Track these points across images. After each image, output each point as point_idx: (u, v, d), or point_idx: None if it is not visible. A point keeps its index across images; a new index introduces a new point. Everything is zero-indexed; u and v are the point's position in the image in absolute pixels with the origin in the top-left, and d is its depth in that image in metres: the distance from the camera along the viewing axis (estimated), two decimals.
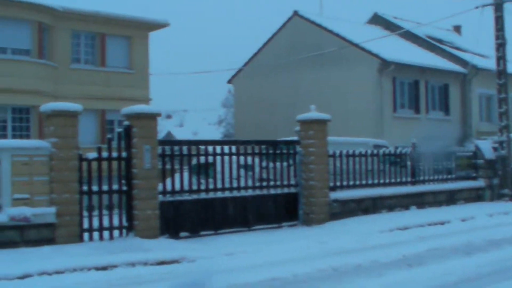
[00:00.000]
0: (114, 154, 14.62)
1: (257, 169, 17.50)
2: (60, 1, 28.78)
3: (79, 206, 13.79)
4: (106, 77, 30.87)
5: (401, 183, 20.92)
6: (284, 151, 17.90)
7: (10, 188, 13.09)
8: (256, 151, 17.37)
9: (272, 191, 17.43)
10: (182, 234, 15.48)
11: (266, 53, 40.19)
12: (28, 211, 13.05)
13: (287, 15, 39.65)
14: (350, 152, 19.23)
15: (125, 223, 14.59)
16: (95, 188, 14.29)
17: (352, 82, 35.32)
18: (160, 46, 48.11)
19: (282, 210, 17.50)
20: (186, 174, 16.11)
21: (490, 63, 41.84)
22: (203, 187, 16.17)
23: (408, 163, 21.44)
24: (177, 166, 15.95)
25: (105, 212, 14.40)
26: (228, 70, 45.82)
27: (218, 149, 16.59)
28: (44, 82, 28.19)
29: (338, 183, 18.81)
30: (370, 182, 19.85)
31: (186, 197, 15.78)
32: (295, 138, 18.21)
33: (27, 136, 27.17)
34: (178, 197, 15.63)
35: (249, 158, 17.24)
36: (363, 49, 34.76)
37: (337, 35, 36.45)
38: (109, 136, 15.11)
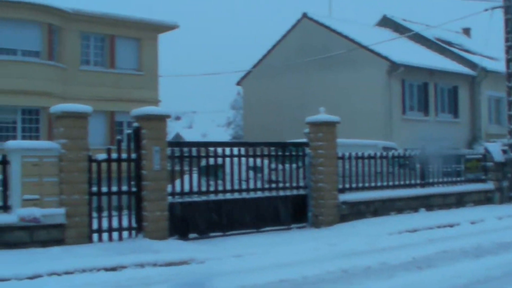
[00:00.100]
0: (124, 155, 14.65)
1: (266, 171, 17.50)
2: (70, 3, 28.87)
3: (88, 207, 13.82)
4: (116, 78, 30.93)
5: (410, 185, 20.88)
6: (293, 153, 17.88)
7: (20, 189, 13.12)
8: (265, 153, 17.38)
9: (281, 193, 17.43)
10: (191, 235, 15.49)
11: (275, 55, 40.22)
12: (37, 212, 13.09)
13: (296, 17, 39.70)
14: (359, 154, 19.21)
15: (134, 224, 14.61)
16: (104, 189, 14.32)
17: (361, 84, 35.30)
18: (170, 47, 48.16)
19: (291, 212, 17.49)
20: (195, 176, 16.12)
21: (500, 66, 41.80)
22: (212, 188, 16.18)
23: (417, 165, 21.41)
24: (186, 168, 15.96)
25: (114, 213, 14.43)
26: (237, 72, 45.81)
27: (227, 150, 16.60)
28: (54, 83, 28.27)
29: (347, 185, 18.78)
30: (379, 184, 19.82)
31: (195, 198, 15.79)
32: (304, 140, 18.19)
33: (37, 137, 27.26)
34: (187, 199, 15.64)
35: (258, 160, 17.25)
36: (372, 51, 34.76)
37: (346, 37, 36.45)
38: (118, 137, 15.14)
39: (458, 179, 23.05)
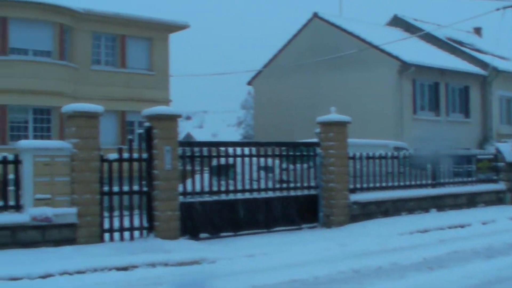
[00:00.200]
0: (135, 155, 14.69)
1: (277, 170, 17.51)
2: (81, 3, 28.94)
3: (100, 206, 13.87)
4: (127, 78, 30.98)
5: (421, 186, 20.84)
6: (304, 153, 17.89)
7: (32, 188, 13.18)
8: (276, 152, 17.38)
9: (292, 193, 17.43)
10: (202, 235, 15.51)
11: (286, 54, 40.21)
12: (49, 211, 13.14)
13: (307, 17, 39.67)
14: (370, 154, 19.19)
15: (145, 224, 14.65)
16: (115, 188, 14.37)
17: (372, 84, 35.25)
18: (180, 47, 48.24)
19: (302, 212, 17.49)
20: (206, 176, 16.15)
21: (511, 65, 41.76)
22: (223, 188, 16.20)
23: (428, 165, 21.36)
24: (197, 168, 15.99)
25: (125, 212, 14.47)
26: (248, 72, 45.88)
27: (238, 150, 16.62)
28: (65, 83, 28.35)
29: (358, 185, 18.76)
30: (390, 184, 19.80)
31: (206, 198, 15.81)
32: (315, 140, 18.20)
33: (48, 137, 27.34)
34: (198, 198, 15.67)
35: (269, 160, 17.26)
36: (383, 51, 34.71)
37: (357, 37, 36.41)
38: (130, 137, 15.18)
39: (469, 179, 23.00)
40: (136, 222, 14.56)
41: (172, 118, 14.97)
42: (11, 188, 13.31)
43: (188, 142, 17.69)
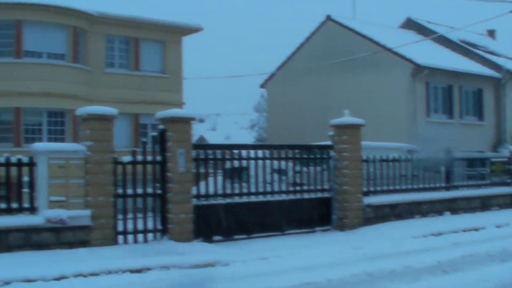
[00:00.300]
0: (149, 157, 14.73)
1: (290, 173, 17.51)
2: (95, 6, 29.04)
3: (113, 209, 13.92)
4: (140, 81, 31.06)
5: (434, 189, 20.80)
6: (318, 156, 17.89)
7: (47, 191, 13.25)
8: (290, 155, 17.39)
9: (306, 196, 17.43)
10: (216, 238, 15.54)
11: (299, 57, 40.18)
12: (64, 214, 13.20)
13: (320, 19, 39.63)
14: (384, 157, 19.17)
15: (159, 227, 14.69)
16: (129, 191, 14.42)
17: (385, 87, 35.16)
18: (194, 50, 48.29)
19: (315, 215, 17.49)
20: (219, 178, 16.16)
21: None
22: (236, 191, 16.22)
23: (442, 168, 21.31)
24: (210, 170, 16.02)
25: (139, 215, 14.51)
26: (261, 75, 45.83)
27: (252, 153, 16.63)
28: (79, 86, 28.45)
29: (371, 188, 18.75)
30: (403, 187, 19.77)
31: (220, 201, 15.84)
32: (328, 142, 18.18)
33: (62, 140, 27.43)
34: (212, 201, 15.69)
35: (283, 163, 17.27)
36: (396, 53, 34.62)
37: (370, 39, 36.33)
38: (143, 139, 15.20)
39: (483, 182, 22.93)
40: (150, 225, 14.60)
41: (186, 121, 15.00)
42: (25, 190, 13.38)
43: (202, 145, 17.74)
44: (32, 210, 13.23)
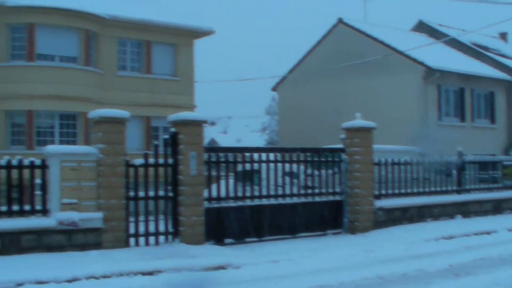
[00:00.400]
0: (161, 160, 14.76)
1: (302, 176, 17.51)
2: (107, 10, 29.13)
3: (125, 211, 13.95)
4: (152, 84, 31.13)
5: (446, 192, 20.75)
6: (329, 159, 17.87)
7: (59, 193, 13.30)
8: (301, 158, 17.38)
9: (317, 199, 17.42)
10: (227, 240, 15.54)
11: (310, 60, 40.14)
12: (76, 216, 13.25)
13: (332, 22, 39.60)
14: (395, 160, 19.14)
15: (170, 229, 14.72)
16: (141, 194, 14.45)
17: (397, 90, 35.07)
18: (205, 53, 48.36)
19: (326, 218, 17.48)
20: (231, 181, 16.17)
21: None
22: (248, 194, 16.23)
23: (454, 171, 21.26)
24: (222, 173, 16.03)
25: (151, 218, 14.53)
26: (272, 78, 45.81)
27: (263, 156, 16.62)
28: (91, 89, 28.54)
29: (383, 191, 18.72)
30: (415, 190, 19.73)
31: (231, 203, 15.84)
32: (340, 146, 18.16)
33: (74, 142, 27.52)
34: (223, 204, 15.70)
35: (294, 166, 17.26)
36: (408, 56, 34.54)
37: (382, 42, 36.26)
38: (155, 142, 15.24)
39: (495, 185, 22.86)
40: (161, 227, 14.63)
41: (198, 124, 15.02)
42: (38, 192, 13.44)
43: (214, 148, 17.76)
44: (45, 212, 13.29)
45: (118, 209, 13.77)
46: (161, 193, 14.77)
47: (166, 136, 15.02)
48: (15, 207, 13.14)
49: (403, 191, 19.32)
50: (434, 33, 42.92)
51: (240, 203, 15.97)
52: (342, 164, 17.86)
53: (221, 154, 16.06)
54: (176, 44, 32.11)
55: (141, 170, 14.42)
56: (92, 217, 13.47)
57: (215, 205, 15.50)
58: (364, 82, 36.25)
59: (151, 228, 14.47)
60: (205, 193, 15.23)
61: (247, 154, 16.53)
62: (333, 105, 37.08)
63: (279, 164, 16.82)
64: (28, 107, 27.25)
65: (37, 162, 13.39)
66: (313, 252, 14.30)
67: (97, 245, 13.46)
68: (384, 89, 35.40)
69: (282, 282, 11.02)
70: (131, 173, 14.19)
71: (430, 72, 34.39)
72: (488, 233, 17.72)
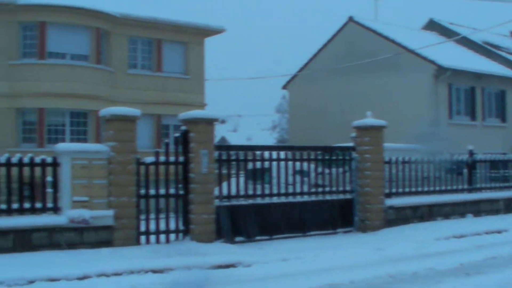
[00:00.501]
0: (171, 158, 14.78)
1: (312, 175, 17.50)
2: (118, 8, 29.20)
3: (136, 209, 13.97)
4: (162, 82, 31.20)
5: (457, 191, 20.68)
6: (340, 157, 17.86)
7: (70, 191, 13.33)
8: (312, 157, 17.37)
9: (328, 197, 17.41)
10: (238, 238, 15.54)
11: (321, 59, 40.10)
12: (87, 214, 13.28)
13: (342, 21, 39.55)
14: (406, 158, 19.10)
15: (181, 227, 14.74)
16: (152, 192, 14.48)
17: (407, 89, 34.99)
18: (216, 51, 48.35)
19: (337, 216, 17.46)
20: (241, 179, 16.19)
21: None
22: (258, 192, 16.23)
23: (465, 170, 21.21)
24: (233, 171, 16.04)
25: (161, 215, 14.56)
26: (283, 76, 45.75)
27: (274, 154, 16.63)
28: (102, 87, 28.62)
29: (393, 190, 18.69)
30: (426, 189, 19.68)
31: (242, 202, 15.85)
32: (350, 144, 18.15)
33: (84, 140, 27.61)
34: (234, 202, 15.71)
35: (305, 164, 17.26)
36: (418, 55, 34.46)
37: (393, 41, 36.18)
38: (166, 140, 15.26)
39: (506, 184, 22.78)
40: (172, 225, 14.65)
41: (209, 122, 15.03)
42: (49, 190, 13.48)
43: (224, 146, 17.76)
44: (56, 210, 13.33)
45: (129, 207, 13.79)
46: (171, 191, 14.79)
47: (177, 134, 15.05)
48: (27, 205, 13.18)
49: (413, 189, 19.28)
50: (445, 31, 42.80)
51: (250, 201, 15.98)
52: (352, 162, 17.86)
53: (232, 152, 16.08)
54: (186, 42, 32.16)
55: (152, 168, 14.45)
56: (103, 215, 13.51)
57: (225, 203, 15.50)
58: (375, 81, 36.19)
59: (162, 226, 14.50)
60: (216, 191, 15.24)
61: (258, 152, 16.54)
62: (343, 104, 37.04)
63: (290, 163, 16.82)
64: (39, 105, 27.36)
65: (48, 160, 13.44)
66: (323, 250, 14.30)
67: (108, 243, 13.49)
68: (394, 88, 35.34)
69: (292, 281, 11.01)
70: (142, 171, 14.21)
71: (441, 70, 34.30)
72: (499, 232, 17.66)
